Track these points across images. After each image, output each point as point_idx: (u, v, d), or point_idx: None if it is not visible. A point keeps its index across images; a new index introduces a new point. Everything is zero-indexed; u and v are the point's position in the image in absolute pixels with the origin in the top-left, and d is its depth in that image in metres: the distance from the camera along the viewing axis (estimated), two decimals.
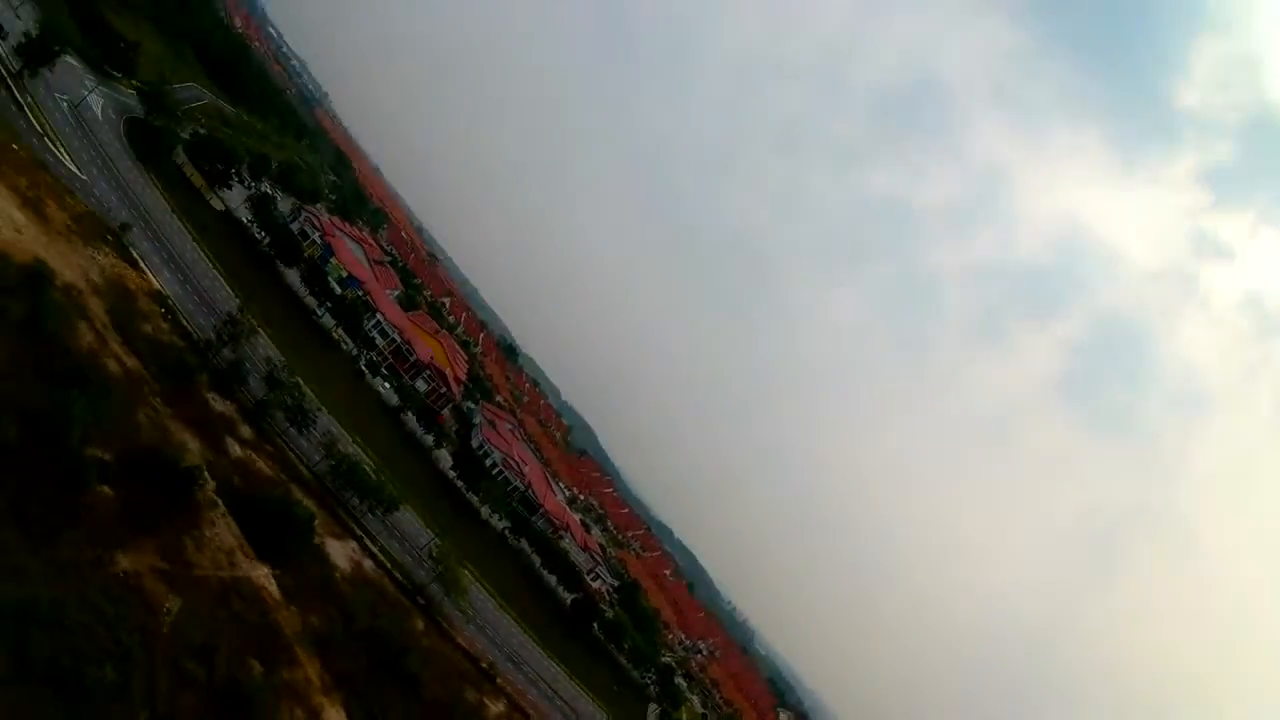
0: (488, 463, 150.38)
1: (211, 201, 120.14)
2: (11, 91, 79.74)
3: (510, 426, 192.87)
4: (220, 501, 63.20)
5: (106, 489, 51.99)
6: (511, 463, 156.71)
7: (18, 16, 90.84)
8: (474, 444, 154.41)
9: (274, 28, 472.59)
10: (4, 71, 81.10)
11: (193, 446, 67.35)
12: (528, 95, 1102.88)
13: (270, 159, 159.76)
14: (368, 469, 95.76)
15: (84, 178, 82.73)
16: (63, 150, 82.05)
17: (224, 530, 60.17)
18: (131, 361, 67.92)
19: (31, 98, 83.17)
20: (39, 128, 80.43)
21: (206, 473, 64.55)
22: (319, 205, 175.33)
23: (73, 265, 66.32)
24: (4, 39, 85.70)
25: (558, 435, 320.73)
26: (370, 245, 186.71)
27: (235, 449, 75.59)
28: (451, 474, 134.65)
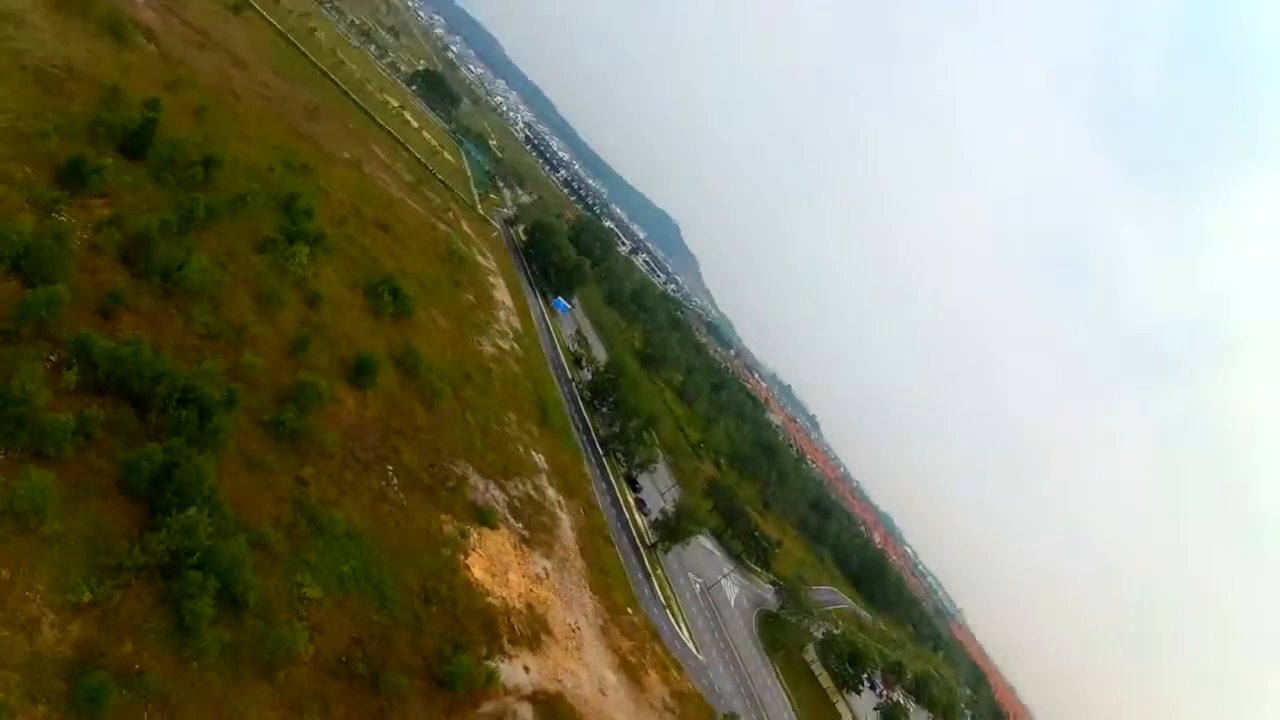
0: None
1: (837, 705, 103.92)
2: (643, 561, 79.47)
3: None
4: None
5: None
6: None
7: (662, 499, 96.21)
8: None
9: (909, 546, 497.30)
10: (640, 543, 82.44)
11: None
12: None
13: (904, 667, 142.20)
14: None
15: (700, 658, 74.18)
16: (683, 626, 76.26)
17: None
18: None
19: (662, 570, 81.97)
20: (662, 599, 77.07)
21: None
22: None
23: None
24: (645, 513, 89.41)
25: None
26: None
27: None
28: None
